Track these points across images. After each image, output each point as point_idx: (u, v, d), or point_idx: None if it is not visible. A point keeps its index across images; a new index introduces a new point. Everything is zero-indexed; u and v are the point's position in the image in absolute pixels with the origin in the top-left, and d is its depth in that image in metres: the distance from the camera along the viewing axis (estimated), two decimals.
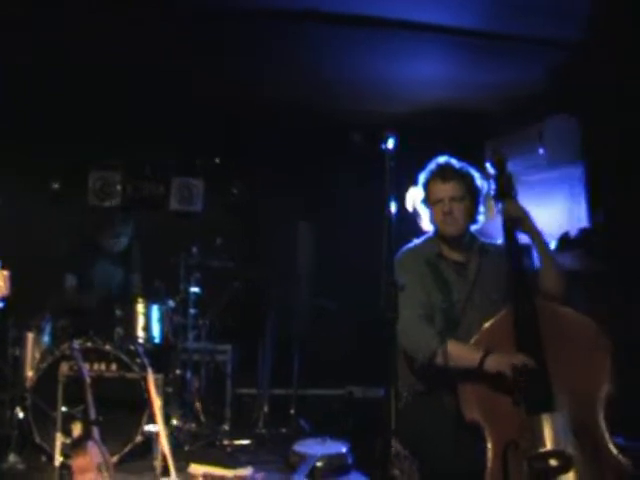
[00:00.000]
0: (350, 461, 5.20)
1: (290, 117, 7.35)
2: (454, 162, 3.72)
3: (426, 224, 3.81)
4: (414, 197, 3.84)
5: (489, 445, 3.18)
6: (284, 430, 6.49)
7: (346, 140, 7.18)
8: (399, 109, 7.20)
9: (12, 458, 5.13)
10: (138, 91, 6.89)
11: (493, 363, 3.24)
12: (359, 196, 6.38)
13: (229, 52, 5.99)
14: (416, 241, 3.85)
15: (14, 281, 2.56)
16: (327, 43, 5.77)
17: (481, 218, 3.75)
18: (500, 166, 3.63)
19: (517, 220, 3.56)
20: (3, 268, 2.05)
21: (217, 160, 7.90)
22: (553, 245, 5.88)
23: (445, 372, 3.41)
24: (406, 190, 3.90)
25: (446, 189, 3.65)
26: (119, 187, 7.69)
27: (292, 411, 6.73)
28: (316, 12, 5.13)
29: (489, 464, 3.14)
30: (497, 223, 3.62)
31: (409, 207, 3.88)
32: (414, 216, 3.87)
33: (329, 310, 7.23)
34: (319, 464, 5.04)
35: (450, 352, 3.37)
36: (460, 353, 3.37)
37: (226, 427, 6.46)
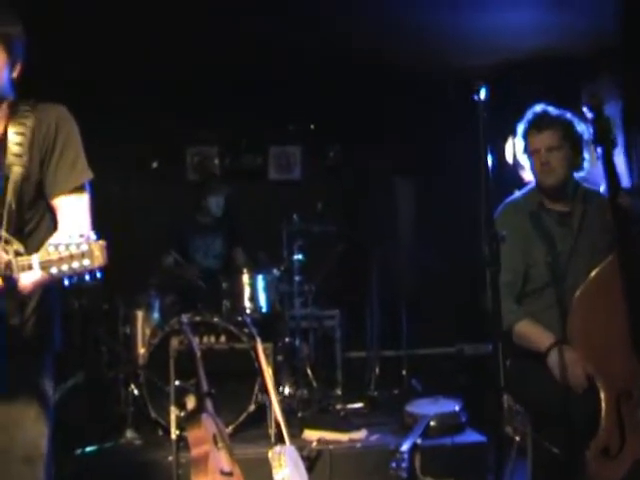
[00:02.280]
0: (464, 419, 5.15)
1: (382, 75, 7.24)
2: (550, 110, 3.58)
3: (528, 175, 3.70)
4: (514, 148, 3.74)
5: (602, 395, 3.12)
6: (396, 391, 6.47)
7: (440, 94, 7.10)
8: (495, 60, 7.01)
9: (129, 434, 5.24)
10: (229, 61, 6.88)
11: (552, 363, 3.25)
12: (457, 150, 6.27)
13: (325, 11, 5.93)
14: (518, 193, 3.74)
15: (119, 259, 2.59)
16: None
17: (585, 165, 3.61)
18: (597, 109, 3.47)
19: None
20: (100, 239, 2.07)
21: (312, 126, 7.87)
22: None
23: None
24: (505, 142, 3.80)
25: (542, 139, 3.52)
26: (217, 161, 7.78)
27: (403, 372, 6.71)
28: None
29: (603, 414, 3.09)
30: (599, 169, 3.48)
31: (509, 158, 3.78)
32: (516, 167, 3.77)
33: (434, 267, 7.15)
34: (433, 423, 5.01)
35: (520, 333, 3.40)
36: (530, 337, 3.40)
37: (338, 391, 6.48)
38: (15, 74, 2.53)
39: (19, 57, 2.52)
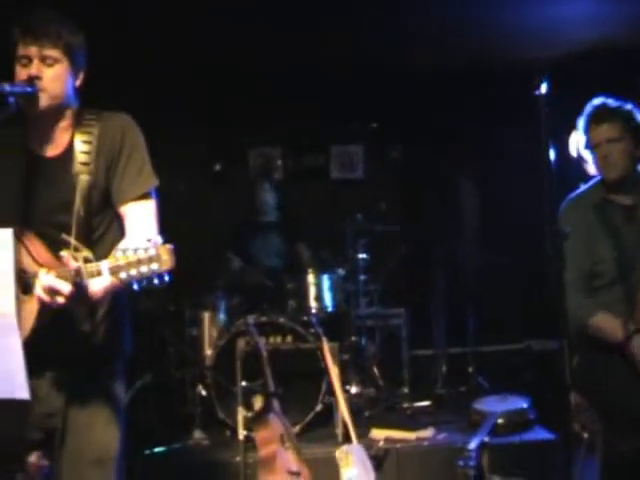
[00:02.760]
0: (532, 416, 5.09)
1: (443, 73, 7.21)
2: (609, 102, 3.54)
3: (591, 168, 3.65)
4: (577, 142, 3.70)
5: None
6: (463, 389, 6.43)
7: (502, 90, 7.02)
8: (556, 53, 6.94)
9: (197, 434, 5.28)
10: (291, 62, 6.92)
11: (637, 347, 3.21)
12: (520, 145, 6.19)
13: (387, 11, 5.94)
14: (582, 187, 3.70)
15: (185, 262, 2.63)
16: None
17: None
18: None
19: None
20: (167, 242, 2.11)
21: (374, 125, 7.87)
22: None
23: None
24: (569, 135, 3.76)
25: (601, 132, 3.48)
26: (279, 162, 7.84)
27: (470, 369, 6.66)
28: None
29: None
30: None
31: (573, 152, 3.74)
32: (579, 161, 3.73)
33: (500, 263, 7.09)
34: (501, 421, 4.95)
35: (596, 326, 3.35)
36: (606, 328, 3.34)
37: (405, 390, 6.46)
38: (78, 82, 2.59)
39: (81, 66, 2.58)
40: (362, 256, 6.53)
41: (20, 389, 2.24)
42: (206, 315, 5.79)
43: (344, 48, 6.67)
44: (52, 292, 2.24)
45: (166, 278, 2.13)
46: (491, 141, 7.45)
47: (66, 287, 2.23)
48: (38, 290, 2.27)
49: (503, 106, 7.11)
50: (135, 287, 2.16)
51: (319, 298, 6.00)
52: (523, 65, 6.90)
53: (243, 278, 6.17)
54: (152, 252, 2.11)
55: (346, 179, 7.97)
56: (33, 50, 2.44)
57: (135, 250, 2.12)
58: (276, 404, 4.24)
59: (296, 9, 5.77)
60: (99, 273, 2.20)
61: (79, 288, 2.27)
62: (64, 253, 2.27)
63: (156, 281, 2.14)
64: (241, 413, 4.35)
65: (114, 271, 2.14)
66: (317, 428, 5.23)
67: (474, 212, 7.32)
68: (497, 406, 5.16)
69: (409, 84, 7.32)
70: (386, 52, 6.86)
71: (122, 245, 2.25)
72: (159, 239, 2.14)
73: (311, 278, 6.00)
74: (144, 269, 2.11)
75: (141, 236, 2.23)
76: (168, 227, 2.62)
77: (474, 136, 7.52)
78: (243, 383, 4.50)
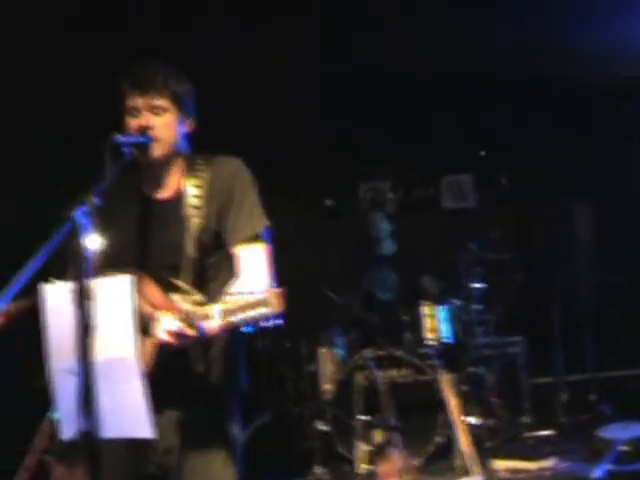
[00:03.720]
0: None
1: (553, 99, 7.16)
2: None
3: None
4: None
5: None
6: (586, 416, 6.30)
7: (614, 111, 6.92)
8: None
9: (317, 470, 5.32)
10: (399, 95, 7.01)
11: None
12: (633, 165, 6.12)
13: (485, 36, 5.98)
14: None
15: (298, 299, 2.72)
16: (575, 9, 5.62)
17: None
18: None
19: None
20: (278, 287, 2.18)
21: (482, 153, 7.87)
22: None
23: None
24: None
25: None
26: (390, 194, 7.90)
27: (592, 396, 6.55)
28: None
29: None
30: None
31: None
32: None
33: (618, 285, 6.97)
34: (626, 449, 4.87)
35: None
36: None
37: (526, 419, 6.37)
38: (188, 128, 2.68)
39: (190, 113, 2.67)
40: (477, 285, 6.52)
41: (145, 429, 2.33)
42: (323, 351, 5.88)
43: (447, 80, 6.72)
44: (177, 335, 2.34)
45: (277, 321, 2.19)
46: (604, 164, 7.34)
47: (191, 331, 2.33)
48: (160, 333, 2.37)
49: (614, 125, 7.03)
50: (245, 330, 2.24)
51: (435, 329, 6.01)
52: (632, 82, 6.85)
53: (357, 313, 6.24)
54: (262, 296, 2.16)
55: (457, 208, 7.97)
56: (140, 101, 2.54)
57: (246, 294, 2.18)
58: (396, 437, 4.29)
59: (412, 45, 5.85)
60: (209, 317, 2.28)
61: (198, 330, 2.35)
62: (175, 297, 2.38)
63: (266, 324, 2.19)
64: (360, 447, 4.40)
65: (224, 315, 2.21)
66: (437, 461, 5.22)
67: (589, 235, 7.22)
68: (622, 433, 5.07)
69: (517, 111, 7.29)
70: (492, 81, 6.86)
71: (233, 288, 2.31)
72: (270, 283, 2.21)
73: (426, 310, 6.03)
74: (254, 313, 2.16)
75: (252, 279, 2.27)
76: (280, 262, 2.69)
77: (584, 159, 7.42)
78: (362, 417, 4.56)
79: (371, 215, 6.75)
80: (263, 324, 2.19)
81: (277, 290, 2.17)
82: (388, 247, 6.63)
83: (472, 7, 5.56)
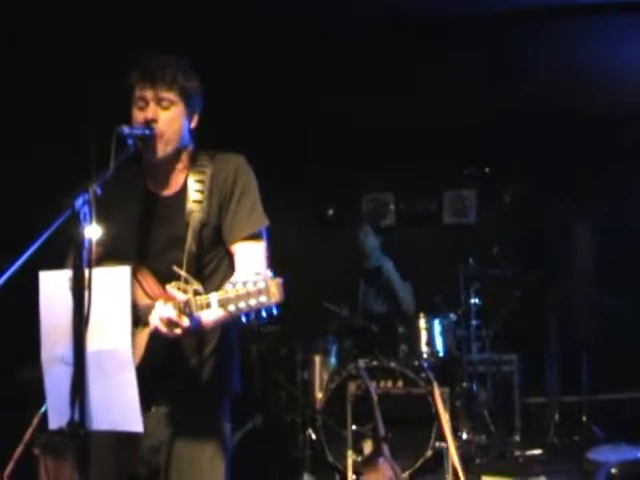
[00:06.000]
0: None
1: (557, 119, 7.18)
2: None
3: None
4: None
5: None
6: (576, 438, 6.31)
7: (615, 135, 6.93)
8: None
9: (307, 477, 5.32)
10: (402, 110, 7.02)
11: None
12: (633, 187, 6.11)
13: (492, 62, 6.00)
14: None
15: (296, 306, 2.71)
16: (585, 36, 5.62)
17: None
18: None
19: None
20: (276, 276, 2.16)
21: (487, 169, 7.87)
22: None
23: None
24: None
25: None
26: (392, 207, 7.90)
27: (584, 418, 6.53)
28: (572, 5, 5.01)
29: None
30: None
31: None
32: None
33: (615, 309, 6.95)
34: (615, 471, 4.84)
35: None
36: None
37: (517, 437, 6.38)
38: (193, 124, 2.68)
39: (197, 108, 2.67)
40: (474, 301, 6.52)
41: (134, 423, 2.31)
42: (317, 358, 5.87)
43: (456, 98, 6.73)
44: (169, 323, 2.33)
45: (274, 311, 2.17)
46: (606, 186, 7.35)
47: (184, 320, 2.32)
48: (154, 320, 2.36)
49: (618, 152, 7.04)
50: (243, 319, 2.20)
51: (430, 343, 6.01)
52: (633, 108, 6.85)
53: (352, 323, 6.21)
54: (261, 285, 2.14)
55: (459, 224, 7.96)
56: (149, 93, 2.54)
57: (244, 283, 2.16)
58: (386, 449, 4.27)
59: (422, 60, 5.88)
60: (208, 305, 2.27)
61: (190, 319, 2.34)
62: (172, 285, 2.37)
63: (264, 314, 2.17)
64: (351, 457, 4.39)
65: (223, 303, 2.20)
66: (426, 474, 5.22)
67: (589, 258, 7.21)
68: (611, 456, 5.04)
69: (522, 130, 7.30)
70: (499, 101, 6.88)
71: (232, 279, 2.27)
72: (269, 272, 2.18)
73: (422, 323, 6.03)
74: (253, 302, 2.15)
75: (250, 271, 2.24)
76: (280, 270, 2.68)
77: (586, 180, 7.44)
78: (353, 427, 4.54)
79: (360, 226, 6.68)
80: (261, 314, 2.17)
81: (277, 280, 2.16)
82: (377, 260, 6.54)
83: None
